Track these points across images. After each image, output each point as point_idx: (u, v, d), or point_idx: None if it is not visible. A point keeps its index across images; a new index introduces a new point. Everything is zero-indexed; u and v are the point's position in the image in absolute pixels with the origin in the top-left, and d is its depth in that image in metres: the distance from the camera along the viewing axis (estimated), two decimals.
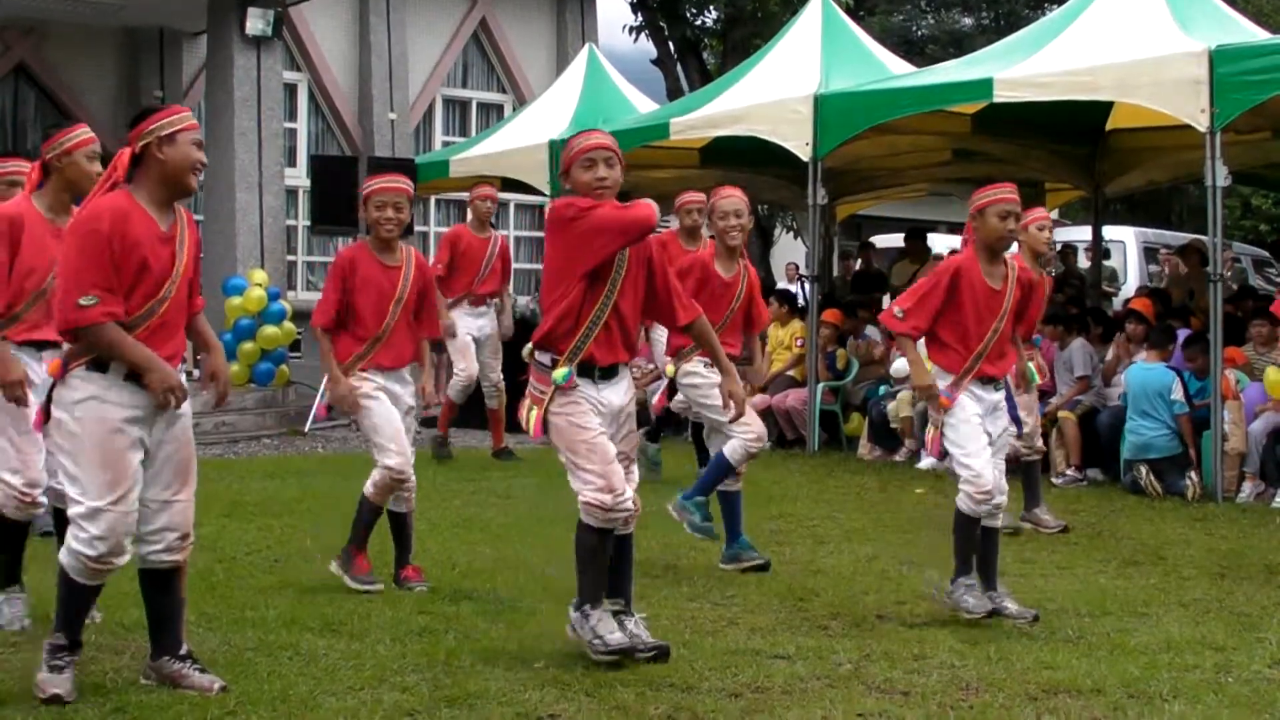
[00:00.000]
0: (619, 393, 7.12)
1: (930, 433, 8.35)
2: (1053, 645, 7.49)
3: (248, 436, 17.81)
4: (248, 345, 19.08)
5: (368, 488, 8.70)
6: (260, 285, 19.19)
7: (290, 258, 22.98)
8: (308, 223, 22.76)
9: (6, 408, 7.49)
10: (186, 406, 6.32)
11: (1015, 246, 9.26)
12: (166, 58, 23.34)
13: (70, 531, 6.11)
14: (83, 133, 7.50)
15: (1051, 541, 10.73)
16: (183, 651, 6.44)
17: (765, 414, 16.95)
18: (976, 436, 8.03)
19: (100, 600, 6.93)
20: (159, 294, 6.21)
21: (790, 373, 17.08)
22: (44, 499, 7.58)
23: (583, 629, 6.98)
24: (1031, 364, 10.26)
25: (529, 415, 7.08)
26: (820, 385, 16.36)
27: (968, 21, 43.50)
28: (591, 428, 6.95)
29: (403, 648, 7.25)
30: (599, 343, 7.01)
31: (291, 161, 23.32)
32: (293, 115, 24.09)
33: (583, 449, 6.93)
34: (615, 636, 6.93)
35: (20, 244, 7.49)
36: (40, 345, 7.56)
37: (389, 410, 8.67)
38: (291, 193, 22.96)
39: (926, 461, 14.64)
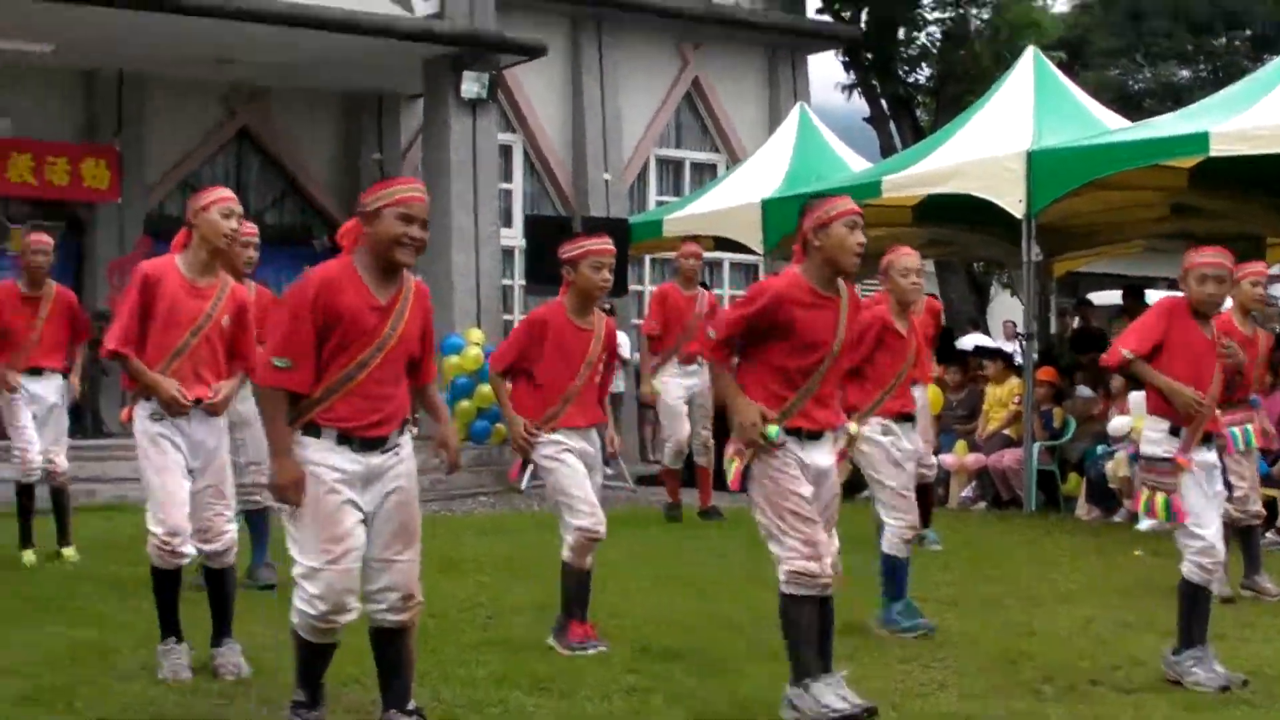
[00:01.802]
0: (824, 453, 7.05)
1: (1145, 494, 8.09)
2: (1274, 713, 7.31)
3: (464, 494, 17.97)
4: (465, 403, 19.30)
5: (565, 553, 8.68)
6: (477, 344, 19.41)
7: (506, 317, 23.18)
8: (523, 282, 22.99)
9: (151, 455, 7.79)
10: (409, 468, 6.38)
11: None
12: (385, 121, 23.80)
13: (294, 591, 6.22)
14: (218, 192, 8.02)
15: (1274, 607, 10.47)
16: (410, 707, 6.47)
17: (980, 473, 16.82)
18: (1209, 504, 7.88)
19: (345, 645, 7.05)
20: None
21: (1006, 431, 16.90)
22: (187, 549, 7.76)
23: (803, 703, 6.88)
24: (1250, 426, 9.95)
25: (730, 466, 7.06)
26: (1036, 444, 16.16)
27: (1185, 74, 42.87)
28: (800, 492, 6.88)
29: (610, 706, 7.26)
30: (807, 411, 6.96)
31: (507, 222, 23.59)
32: (508, 176, 24.37)
33: (788, 515, 6.87)
34: (841, 705, 6.83)
35: (155, 297, 7.86)
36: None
37: (577, 469, 8.66)
38: (507, 253, 23.19)
39: (1145, 523, 14.30)
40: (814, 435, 7.00)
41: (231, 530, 7.91)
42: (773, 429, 6.90)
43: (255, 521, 10.68)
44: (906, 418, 9.48)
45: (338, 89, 23.36)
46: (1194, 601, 7.92)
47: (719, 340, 7.05)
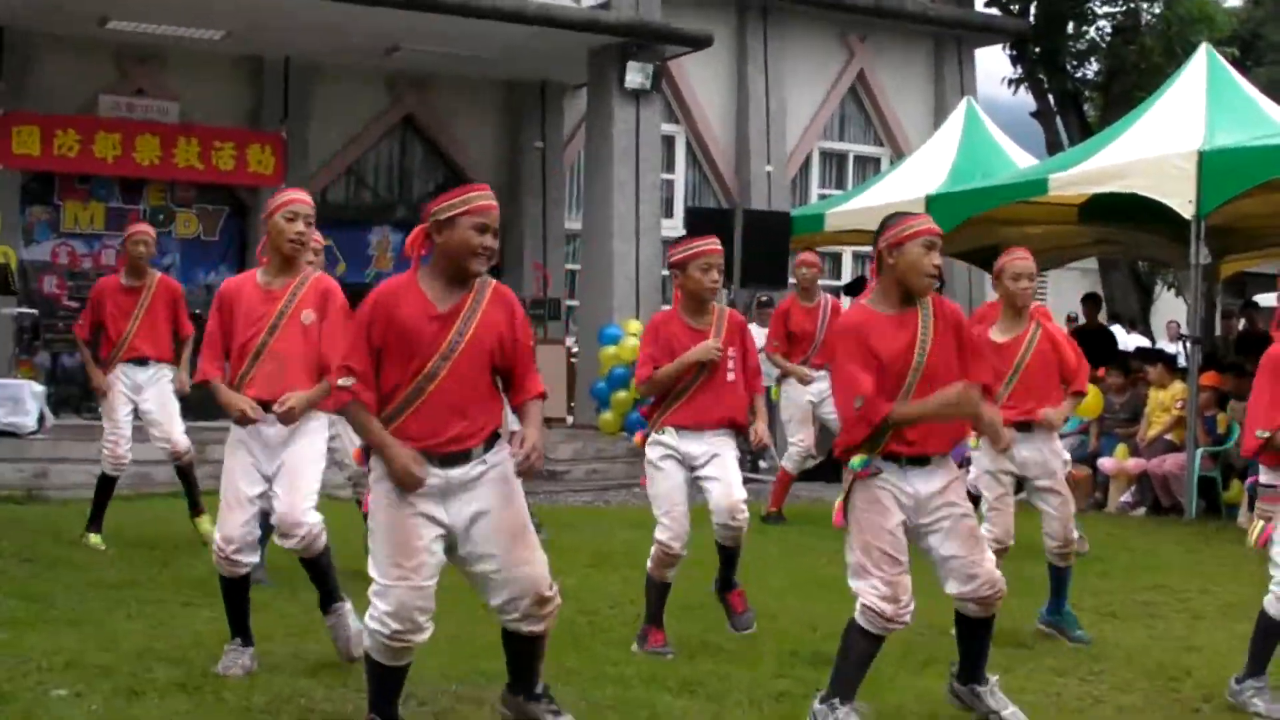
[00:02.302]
0: (931, 480, 6.82)
1: (1255, 520, 7.88)
2: None
3: (618, 485, 17.98)
4: (621, 394, 19.30)
5: (648, 563, 8.72)
6: (635, 335, 19.39)
7: (665, 308, 23.13)
8: None
9: (226, 462, 7.86)
10: (502, 471, 6.22)
11: None
12: (548, 110, 23.86)
13: (369, 610, 6.14)
14: (286, 195, 8.07)
15: None
16: (538, 690, 6.47)
17: (1141, 478, 16.56)
18: None
19: (463, 645, 7.04)
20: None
21: (1168, 436, 16.62)
22: (244, 558, 7.72)
23: None
24: None
25: (835, 501, 6.96)
26: (1199, 450, 15.88)
27: None
28: (891, 531, 6.73)
29: (760, 712, 7.21)
30: (901, 434, 6.76)
31: (668, 213, 23.59)
32: (670, 166, 24.36)
33: (875, 552, 6.73)
34: None
35: (232, 313, 7.93)
36: (265, 405, 7.83)
37: (671, 479, 8.62)
38: (667, 244, 23.13)
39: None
40: (916, 460, 6.82)
41: (309, 522, 7.79)
42: (856, 459, 6.78)
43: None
44: (1023, 426, 9.26)
45: (501, 77, 23.46)
46: (1266, 634, 7.68)
47: (870, 398, 6.70)
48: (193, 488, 12.23)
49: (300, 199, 7.98)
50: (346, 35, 20.58)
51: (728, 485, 8.62)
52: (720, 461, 8.63)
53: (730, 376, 8.68)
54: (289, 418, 7.75)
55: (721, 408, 8.66)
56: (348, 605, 7.90)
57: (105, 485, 12.12)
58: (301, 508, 7.80)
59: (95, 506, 12.05)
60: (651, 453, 8.70)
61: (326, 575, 7.95)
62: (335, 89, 22.71)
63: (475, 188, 6.27)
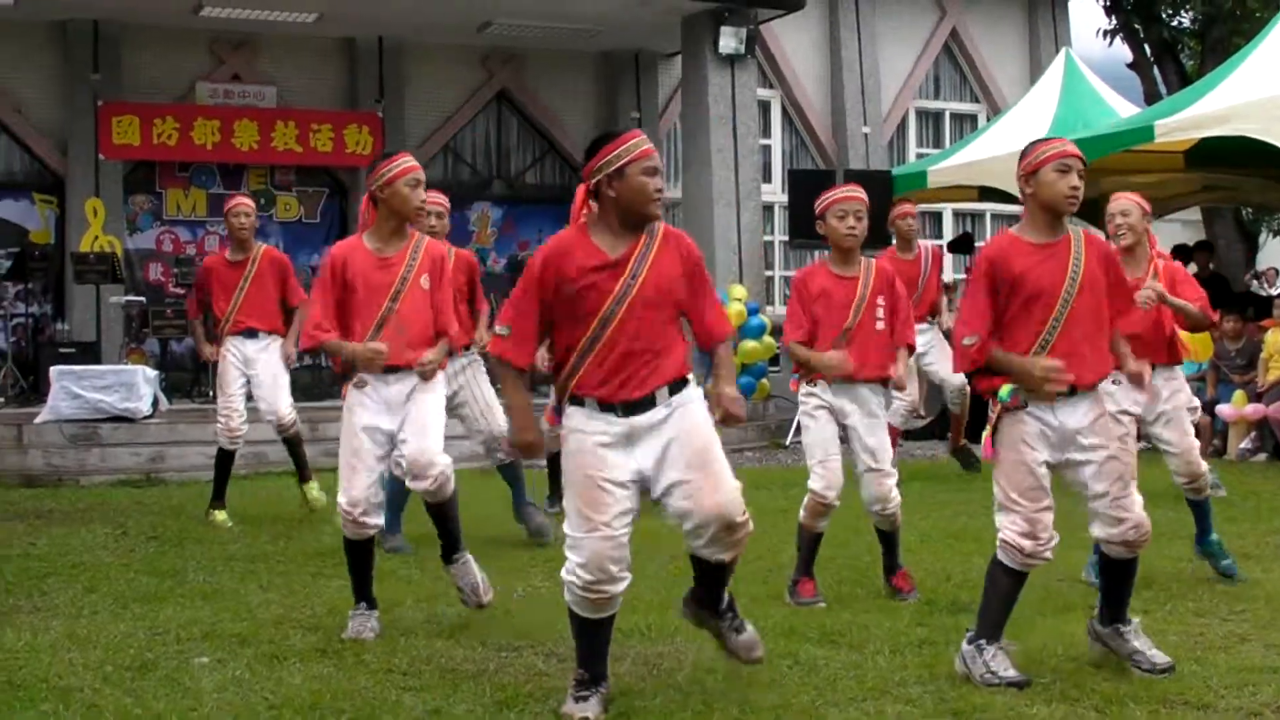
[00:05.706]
0: (1077, 412, 6.73)
1: None
2: None
3: (730, 449, 17.70)
4: None
5: (801, 513, 8.72)
6: (739, 300, 19.33)
7: (768, 273, 23.13)
8: (784, 238, 22.92)
9: (345, 426, 7.84)
10: (689, 410, 6.17)
11: None
12: (642, 79, 23.80)
13: (565, 565, 6.13)
14: (403, 162, 7.87)
15: None
16: (722, 607, 6.47)
17: (1261, 424, 16.35)
18: None
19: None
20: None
21: None
22: (371, 519, 7.76)
23: (973, 663, 6.75)
24: None
25: (985, 433, 6.94)
26: None
27: None
28: (1029, 465, 6.69)
29: (903, 659, 7.14)
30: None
31: (767, 177, 23.49)
32: (767, 131, 24.27)
33: (1017, 488, 6.71)
34: (1010, 672, 6.67)
35: (349, 282, 7.82)
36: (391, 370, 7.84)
37: (825, 431, 8.62)
38: (768, 208, 23.12)
39: None
40: (1062, 393, 6.71)
41: (441, 463, 7.80)
42: (1004, 389, 6.71)
43: (507, 471, 10.90)
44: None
45: (594, 49, 23.44)
46: None
47: (982, 342, 6.69)
48: (300, 457, 12.36)
49: (417, 165, 7.89)
50: (438, 13, 20.64)
51: (877, 475, 8.61)
52: (869, 430, 8.63)
53: (879, 326, 8.64)
54: (430, 374, 7.83)
55: (871, 360, 8.62)
56: (469, 555, 7.97)
57: (223, 460, 12.17)
58: (434, 449, 7.81)
59: (216, 483, 12.12)
60: (805, 405, 8.72)
61: (452, 524, 7.96)
62: (429, 67, 22.79)
63: (631, 134, 6.21)
